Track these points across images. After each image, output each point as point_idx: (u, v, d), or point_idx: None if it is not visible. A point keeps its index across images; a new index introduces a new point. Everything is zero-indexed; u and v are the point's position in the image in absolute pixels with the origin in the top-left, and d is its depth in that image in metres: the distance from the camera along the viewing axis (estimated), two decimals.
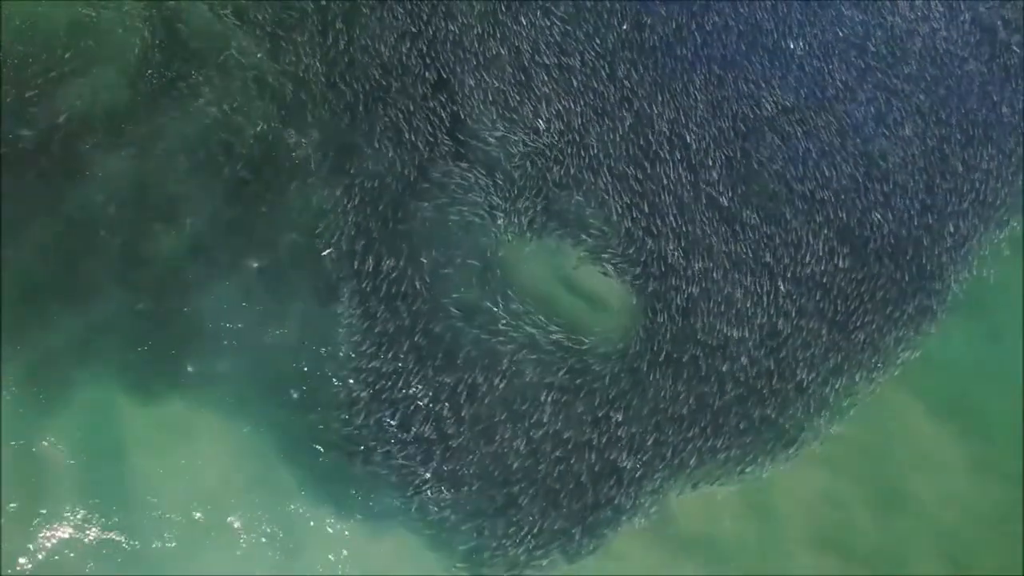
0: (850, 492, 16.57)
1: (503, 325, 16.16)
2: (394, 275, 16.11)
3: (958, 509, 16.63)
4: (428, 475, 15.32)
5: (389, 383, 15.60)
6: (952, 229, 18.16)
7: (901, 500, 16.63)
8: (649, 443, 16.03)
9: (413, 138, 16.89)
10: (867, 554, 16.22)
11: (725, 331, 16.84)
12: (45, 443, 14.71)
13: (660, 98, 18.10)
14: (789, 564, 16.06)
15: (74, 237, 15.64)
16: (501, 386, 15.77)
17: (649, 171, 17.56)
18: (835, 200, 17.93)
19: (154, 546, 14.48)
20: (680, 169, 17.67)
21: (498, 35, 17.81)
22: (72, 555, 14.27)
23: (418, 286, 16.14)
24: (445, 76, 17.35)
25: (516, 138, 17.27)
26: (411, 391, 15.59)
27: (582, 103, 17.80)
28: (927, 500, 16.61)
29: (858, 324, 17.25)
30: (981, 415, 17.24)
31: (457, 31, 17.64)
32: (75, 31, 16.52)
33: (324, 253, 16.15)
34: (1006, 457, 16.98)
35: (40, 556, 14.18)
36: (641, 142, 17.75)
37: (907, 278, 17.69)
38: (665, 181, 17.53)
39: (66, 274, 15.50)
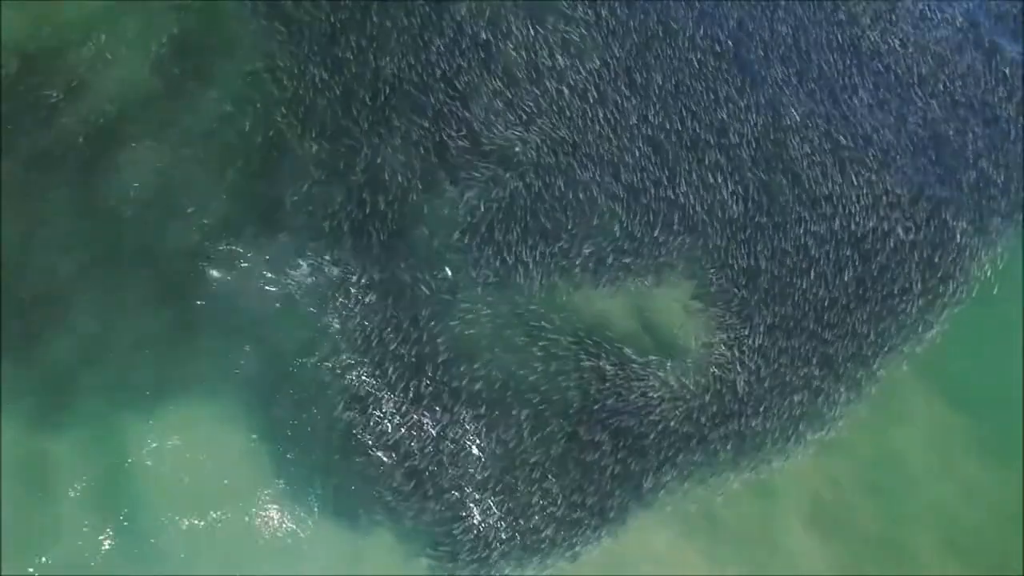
0: (852, 475, 16.62)
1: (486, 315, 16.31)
2: (396, 277, 16.26)
3: (960, 492, 16.70)
4: (408, 479, 15.36)
5: (378, 388, 15.69)
6: (964, 228, 18.35)
7: (903, 483, 16.72)
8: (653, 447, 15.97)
9: (422, 146, 17.08)
10: (867, 536, 16.24)
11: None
12: (52, 447, 14.87)
13: (678, 105, 18.35)
14: (790, 544, 16.02)
15: (86, 234, 15.96)
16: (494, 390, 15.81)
17: (663, 182, 17.66)
18: (854, 203, 18.16)
19: (156, 548, 14.54)
20: (696, 180, 17.83)
21: (513, 37, 18.18)
22: (76, 556, 14.35)
23: (425, 289, 16.25)
24: (460, 87, 17.59)
25: (523, 141, 17.44)
26: (402, 396, 15.63)
27: (601, 113, 17.98)
28: (929, 483, 16.72)
29: (868, 318, 17.37)
30: (985, 402, 17.35)
31: (471, 33, 18.01)
32: (96, 25, 16.93)
33: None
34: (1008, 442, 17.07)
35: (46, 558, 14.29)
36: (658, 153, 17.91)
37: (920, 279, 17.82)
38: (677, 193, 17.65)
39: (77, 274, 15.77)
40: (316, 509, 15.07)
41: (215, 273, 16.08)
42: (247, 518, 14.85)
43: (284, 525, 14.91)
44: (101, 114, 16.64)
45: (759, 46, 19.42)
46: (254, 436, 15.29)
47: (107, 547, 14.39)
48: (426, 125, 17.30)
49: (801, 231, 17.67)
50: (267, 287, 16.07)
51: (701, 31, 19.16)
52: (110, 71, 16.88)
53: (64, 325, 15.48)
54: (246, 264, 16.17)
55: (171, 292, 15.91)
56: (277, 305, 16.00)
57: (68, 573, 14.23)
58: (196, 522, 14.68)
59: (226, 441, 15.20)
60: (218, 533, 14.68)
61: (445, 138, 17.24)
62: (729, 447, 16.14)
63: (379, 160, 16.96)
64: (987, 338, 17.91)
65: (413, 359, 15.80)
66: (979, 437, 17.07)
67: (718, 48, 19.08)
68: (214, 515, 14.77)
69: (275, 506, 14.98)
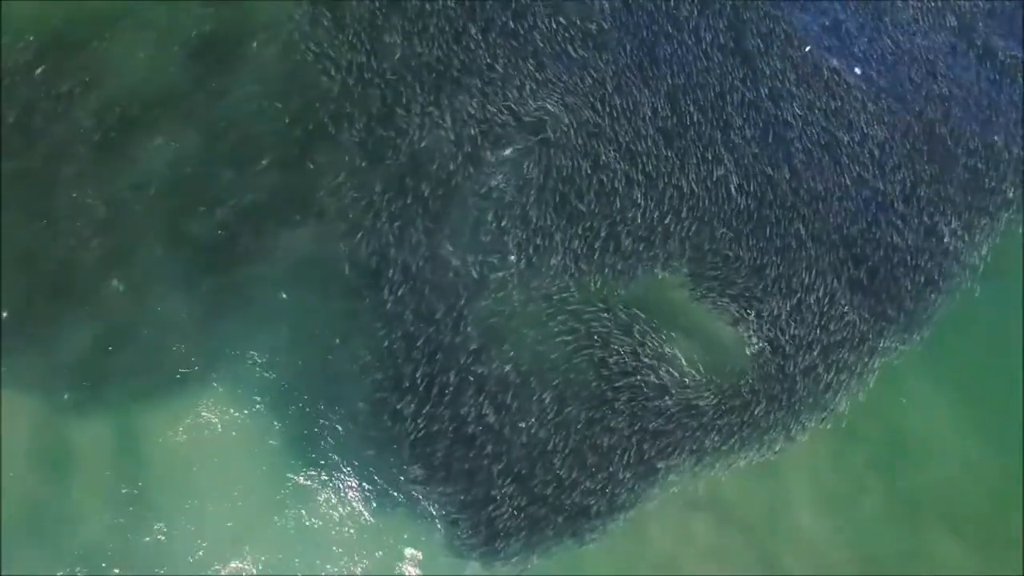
0: (854, 458, 17.19)
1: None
2: (439, 261, 16.57)
3: (960, 472, 17.38)
4: (428, 469, 15.61)
5: (406, 381, 15.87)
6: (954, 228, 19.22)
7: (905, 463, 17.34)
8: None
9: (469, 126, 17.47)
10: (869, 516, 16.85)
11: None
12: (72, 435, 14.87)
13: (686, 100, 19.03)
14: (794, 523, 16.53)
15: (107, 225, 15.87)
16: (519, 377, 16.12)
17: (675, 171, 18.23)
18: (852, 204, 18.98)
19: (174, 539, 14.55)
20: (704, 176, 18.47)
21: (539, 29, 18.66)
22: (93, 546, 14.34)
23: (475, 272, 16.59)
24: (499, 69, 18.03)
25: (556, 117, 17.92)
26: (428, 388, 15.80)
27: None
28: (930, 467, 17.38)
29: (868, 312, 18.09)
30: (986, 389, 18.17)
31: (501, 23, 18.49)
32: (123, 17, 16.88)
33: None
34: (1008, 425, 17.77)
35: (63, 548, 14.28)
36: (669, 144, 18.49)
37: (913, 278, 18.56)
38: (689, 182, 18.21)
39: (97, 264, 15.76)
40: (337, 495, 15.25)
41: (238, 264, 16.15)
42: (270, 506, 14.99)
43: (306, 512, 15.08)
44: (122, 105, 16.49)
45: (757, 38, 20.13)
46: (278, 423, 15.39)
47: (123, 538, 14.39)
48: (473, 104, 17.66)
49: (803, 227, 18.33)
50: (293, 280, 16.22)
51: (704, 24, 19.87)
52: (134, 63, 16.77)
53: (84, 314, 15.42)
54: (275, 256, 16.28)
55: (192, 283, 15.91)
56: (305, 296, 16.14)
57: (84, 564, 14.18)
58: (217, 511, 14.77)
59: (250, 429, 15.26)
60: (240, 521, 14.77)
61: (488, 116, 17.66)
62: (736, 433, 16.61)
63: (423, 144, 17.21)
64: (984, 331, 18.68)
65: (445, 349, 16.01)
66: (980, 418, 17.81)
67: (720, 41, 19.81)
68: (237, 503, 14.88)
69: (298, 494, 15.13)
